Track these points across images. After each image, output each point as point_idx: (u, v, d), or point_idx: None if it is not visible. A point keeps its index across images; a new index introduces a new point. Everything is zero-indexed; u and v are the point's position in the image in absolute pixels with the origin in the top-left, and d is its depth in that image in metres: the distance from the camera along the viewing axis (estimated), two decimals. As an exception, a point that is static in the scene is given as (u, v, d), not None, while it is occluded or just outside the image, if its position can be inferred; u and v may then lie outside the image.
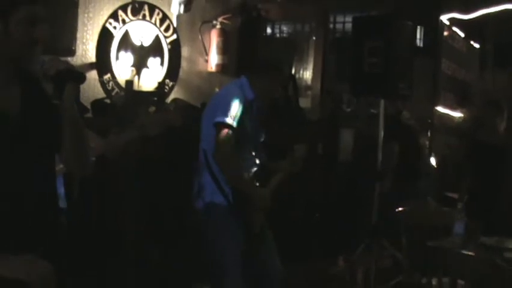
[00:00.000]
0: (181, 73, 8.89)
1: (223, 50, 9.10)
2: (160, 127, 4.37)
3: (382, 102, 8.28)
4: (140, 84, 8.38)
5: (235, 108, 5.04)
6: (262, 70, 5.33)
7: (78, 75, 3.29)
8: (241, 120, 5.04)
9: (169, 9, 8.72)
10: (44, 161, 3.11)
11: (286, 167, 5.47)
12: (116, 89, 8.17)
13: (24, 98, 3.06)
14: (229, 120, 4.97)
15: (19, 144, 2.98)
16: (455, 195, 7.34)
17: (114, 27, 8.14)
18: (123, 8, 8.25)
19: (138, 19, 8.40)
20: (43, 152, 3.09)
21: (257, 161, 5.28)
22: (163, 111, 4.53)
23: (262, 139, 5.35)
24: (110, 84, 8.14)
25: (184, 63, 8.95)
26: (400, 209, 7.65)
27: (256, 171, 5.25)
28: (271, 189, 5.31)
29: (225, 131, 4.95)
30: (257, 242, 5.26)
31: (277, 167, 5.45)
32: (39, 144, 3.06)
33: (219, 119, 4.99)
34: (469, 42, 10.70)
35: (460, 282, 6.21)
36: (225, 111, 5.01)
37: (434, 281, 6.65)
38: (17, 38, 2.94)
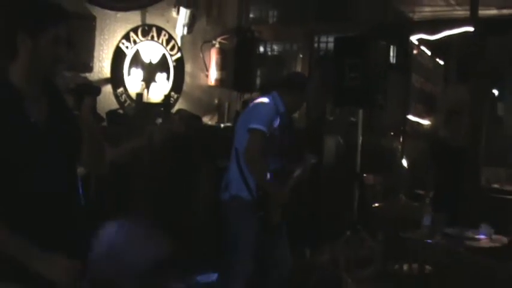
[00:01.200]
0: (184, 87, 8.90)
1: (222, 66, 9.10)
2: (166, 135, 4.43)
3: (360, 111, 8.37)
4: (149, 96, 8.39)
5: (268, 117, 5.19)
6: (293, 87, 5.49)
7: (94, 89, 3.38)
8: (272, 128, 5.18)
9: (174, 31, 8.74)
10: (69, 165, 3.12)
11: (300, 171, 5.59)
12: (128, 101, 8.19)
13: (51, 109, 3.08)
14: (262, 127, 5.12)
15: (46, 149, 2.99)
16: (423, 192, 7.39)
17: (127, 47, 8.18)
18: (134, 30, 8.29)
19: (147, 40, 8.43)
20: (67, 157, 3.10)
21: (280, 163, 5.39)
22: (169, 122, 4.59)
23: (286, 145, 5.47)
24: (123, 96, 8.17)
25: (187, 78, 8.97)
26: (376, 204, 7.75)
27: (277, 172, 5.37)
28: (288, 189, 5.44)
29: (257, 136, 5.09)
30: (273, 233, 5.38)
31: (294, 170, 5.57)
32: (63, 150, 3.07)
33: (253, 125, 5.14)
34: (435, 59, 10.75)
35: (428, 267, 6.30)
36: (259, 119, 5.18)
37: (405, 267, 6.74)
38: (44, 55, 2.98)
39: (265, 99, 5.51)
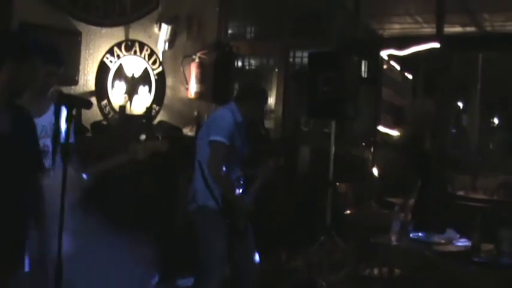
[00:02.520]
0: (166, 99, 8.92)
1: (201, 80, 9.12)
2: (148, 153, 4.43)
3: (333, 123, 8.42)
4: (132, 108, 8.40)
5: (228, 128, 5.22)
6: (248, 97, 5.52)
7: (86, 103, 3.51)
8: (231, 138, 5.20)
9: (156, 46, 8.77)
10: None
11: (262, 178, 5.62)
12: (112, 113, 8.19)
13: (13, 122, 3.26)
14: (221, 138, 5.15)
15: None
16: (393, 199, 7.42)
17: (111, 61, 8.19)
18: (118, 45, 8.30)
19: (130, 54, 8.44)
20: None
21: (241, 171, 5.42)
22: (152, 140, 4.60)
23: (246, 154, 5.50)
24: (107, 108, 8.17)
25: (168, 91, 8.99)
26: (348, 211, 7.80)
27: (240, 179, 5.40)
28: (252, 196, 5.47)
29: (218, 147, 5.12)
30: (239, 240, 5.40)
31: (255, 173, 5.60)
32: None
33: (213, 137, 5.17)
34: (404, 74, 10.83)
35: (397, 271, 6.35)
36: (219, 131, 5.21)
37: (375, 270, 6.79)
38: (27, 80, 3.30)
39: (223, 111, 5.55)
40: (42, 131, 3.96)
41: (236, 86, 9.83)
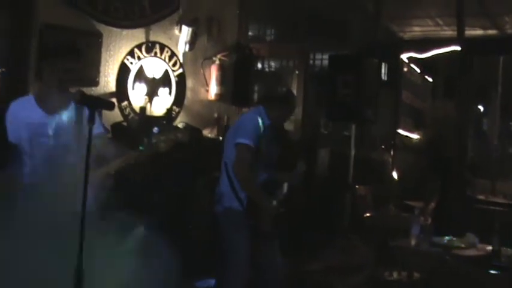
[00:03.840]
0: (186, 101, 8.89)
1: (221, 81, 9.10)
2: (170, 144, 4.40)
3: (353, 126, 8.39)
4: (152, 110, 8.38)
5: (254, 131, 5.21)
6: (277, 102, 5.51)
7: (109, 104, 3.55)
8: (258, 141, 5.19)
9: (176, 48, 8.75)
10: None
11: (291, 179, 5.62)
12: (132, 114, 8.18)
13: None
14: (248, 141, 5.13)
15: None
16: (412, 203, 7.38)
17: (131, 63, 8.18)
18: (139, 46, 8.29)
19: (151, 56, 8.43)
20: None
21: (268, 175, 5.40)
22: (173, 131, 4.58)
23: (273, 157, 5.47)
24: (127, 110, 8.16)
25: (188, 93, 8.96)
26: (367, 214, 7.76)
27: (266, 183, 5.38)
28: (278, 199, 5.46)
29: (244, 150, 5.11)
30: (265, 241, 5.39)
31: (284, 178, 5.59)
32: None
33: (240, 140, 5.15)
34: (424, 76, 10.79)
35: (416, 274, 6.31)
36: (246, 134, 5.19)
37: (394, 274, 6.75)
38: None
39: (251, 114, 5.55)
40: (63, 128, 3.97)
41: (257, 88, 9.84)
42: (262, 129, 5.32)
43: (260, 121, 5.35)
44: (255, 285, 5.47)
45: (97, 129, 4.38)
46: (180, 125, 8.44)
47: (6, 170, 3.98)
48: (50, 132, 4.07)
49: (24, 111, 4.21)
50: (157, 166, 5.94)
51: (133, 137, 7.48)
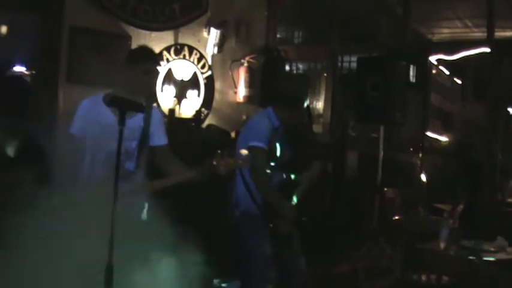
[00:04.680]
0: (214, 103, 8.90)
1: (250, 84, 9.09)
2: (230, 169, 4.38)
3: (381, 128, 8.35)
4: (181, 112, 8.40)
5: (265, 133, 5.17)
6: (284, 102, 5.44)
7: (138, 106, 3.57)
8: (269, 143, 5.15)
9: (205, 50, 8.76)
10: None
11: (307, 179, 5.57)
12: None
13: None
14: (260, 143, 5.10)
15: None
16: (441, 206, 7.33)
17: (160, 65, 8.21)
18: (167, 49, 8.31)
19: (180, 58, 8.45)
20: None
21: (283, 176, 5.37)
22: (235, 157, 4.53)
23: (287, 158, 5.42)
24: (156, 112, 8.19)
25: (217, 95, 8.97)
26: (395, 217, 7.71)
27: (282, 184, 5.35)
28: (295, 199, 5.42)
29: (257, 153, 5.07)
30: (284, 244, 5.36)
31: (301, 179, 5.54)
32: None
33: (251, 143, 5.11)
34: (453, 78, 10.73)
35: (445, 278, 6.26)
36: (257, 136, 5.15)
37: (423, 277, 6.70)
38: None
39: (259, 116, 5.50)
40: (129, 133, 3.96)
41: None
42: (272, 130, 5.28)
43: (269, 122, 5.31)
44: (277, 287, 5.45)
45: (161, 140, 4.44)
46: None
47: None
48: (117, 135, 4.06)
49: (96, 109, 4.22)
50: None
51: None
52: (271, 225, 5.25)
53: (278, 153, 5.31)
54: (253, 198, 5.22)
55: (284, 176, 5.39)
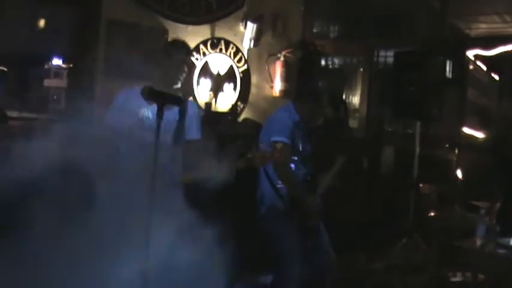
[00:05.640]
0: (250, 97, 8.89)
1: (286, 78, 9.06)
2: (266, 162, 4.39)
3: (417, 124, 8.27)
4: (217, 105, 8.40)
5: (286, 128, 5.16)
6: (304, 98, 5.44)
7: (177, 99, 3.59)
8: (292, 138, 5.14)
9: (241, 44, 8.74)
10: None
11: (330, 176, 5.55)
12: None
13: None
14: (283, 138, 5.09)
15: None
16: (478, 203, 7.26)
17: (197, 59, 8.20)
18: (204, 43, 8.31)
19: (216, 52, 8.44)
20: None
21: (305, 171, 5.36)
22: (273, 150, 4.54)
23: (309, 153, 5.41)
24: (192, 105, 8.20)
25: (253, 89, 8.95)
26: (431, 213, 7.64)
27: (306, 179, 5.34)
28: (319, 193, 5.40)
29: (281, 147, 5.05)
30: (312, 236, 5.34)
31: (324, 175, 5.53)
32: None
33: (274, 138, 5.10)
34: (490, 74, 10.60)
35: (481, 276, 6.18)
36: (279, 131, 5.14)
37: (458, 275, 6.63)
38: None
39: (280, 112, 5.51)
40: (166, 126, 3.94)
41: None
42: (292, 125, 5.25)
43: (289, 117, 5.29)
44: (307, 281, 5.42)
45: (194, 135, 4.44)
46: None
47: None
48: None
49: (133, 102, 4.22)
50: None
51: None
52: (296, 219, 5.25)
53: (300, 148, 5.31)
54: (278, 193, 5.21)
55: (308, 170, 5.38)
